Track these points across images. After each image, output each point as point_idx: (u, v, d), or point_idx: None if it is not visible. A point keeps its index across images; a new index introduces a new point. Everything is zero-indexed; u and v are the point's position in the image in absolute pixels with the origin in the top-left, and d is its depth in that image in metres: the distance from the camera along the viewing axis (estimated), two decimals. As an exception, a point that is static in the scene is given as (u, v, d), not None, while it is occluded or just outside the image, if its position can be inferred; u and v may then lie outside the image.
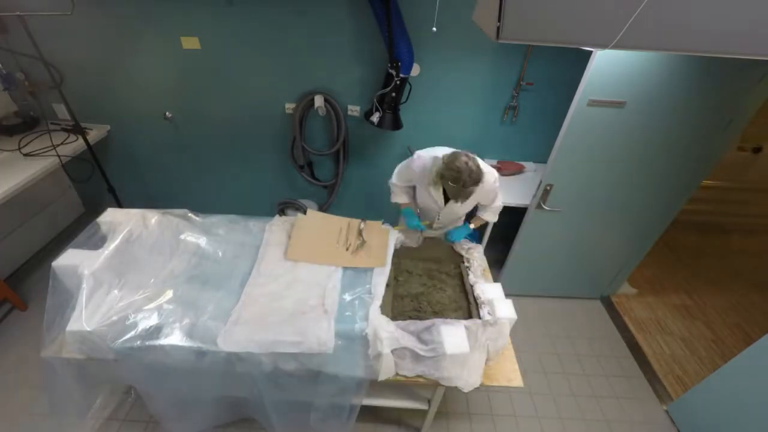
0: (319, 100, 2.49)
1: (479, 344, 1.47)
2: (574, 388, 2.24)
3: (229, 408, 1.77)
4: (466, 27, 2.16)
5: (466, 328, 1.45)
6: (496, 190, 1.79)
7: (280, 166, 2.91)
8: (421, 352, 1.42)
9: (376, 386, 1.55)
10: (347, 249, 1.81)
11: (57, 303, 1.45)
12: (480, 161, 1.63)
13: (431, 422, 1.90)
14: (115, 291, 1.50)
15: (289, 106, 2.60)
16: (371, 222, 1.92)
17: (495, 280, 1.90)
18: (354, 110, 2.60)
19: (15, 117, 2.57)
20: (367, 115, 2.42)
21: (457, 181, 1.55)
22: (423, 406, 1.79)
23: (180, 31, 2.31)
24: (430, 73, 2.39)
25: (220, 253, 1.78)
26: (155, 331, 1.40)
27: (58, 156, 2.30)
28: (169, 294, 1.53)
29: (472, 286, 1.74)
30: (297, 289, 1.64)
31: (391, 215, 3.16)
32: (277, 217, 2.01)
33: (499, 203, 1.88)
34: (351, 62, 2.40)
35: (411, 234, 1.97)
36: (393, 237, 1.86)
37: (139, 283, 1.56)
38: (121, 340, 1.37)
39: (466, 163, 1.54)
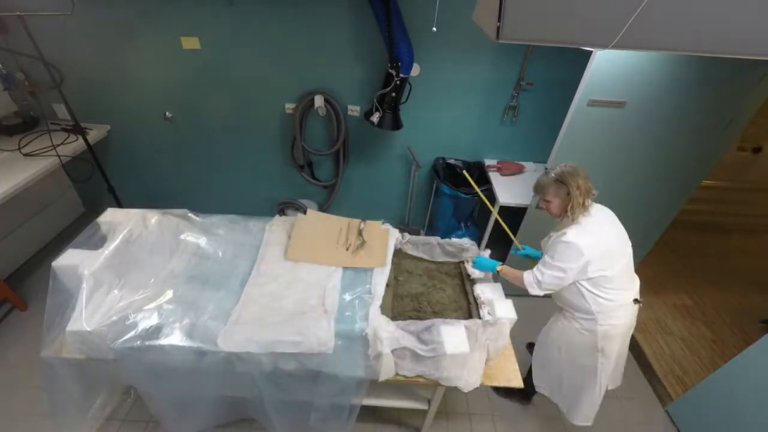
0: (319, 100, 2.49)
1: (479, 344, 1.47)
2: (574, 388, 2.24)
3: (229, 408, 1.77)
4: (466, 27, 2.17)
5: (466, 328, 1.45)
6: (560, 245, 1.44)
7: (280, 166, 2.91)
8: (421, 352, 1.42)
9: (376, 386, 1.55)
10: (347, 249, 1.80)
11: (57, 303, 1.45)
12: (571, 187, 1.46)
13: (431, 422, 1.90)
14: (115, 291, 1.50)
15: (289, 106, 2.60)
16: (371, 222, 1.92)
17: (495, 280, 1.90)
18: (354, 110, 2.60)
19: (15, 117, 2.57)
20: (367, 115, 2.42)
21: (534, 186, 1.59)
22: (423, 406, 1.79)
23: (180, 31, 2.31)
24: (430, 73, 2.39)
25: (220, 253, 1.78)
26: (155, 331, 1.40)
27: (58, 156, 2.30)
28: (169, 294, 1.53)
29: (472, 287, 1.74)
30: (297, 289, 1.64)
31: (391, 215, 3.17)
32: (277, 217, 2.01)
33: (541, 267, 1.48)
34: (351, 62, 2.40)
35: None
36: (393, 237, 1.86)
37: (139, 283, 1.56)
38: (121, 340, 1.37)
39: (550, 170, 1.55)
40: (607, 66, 1.73)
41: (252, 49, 2.36)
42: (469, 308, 1.67)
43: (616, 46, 1.02)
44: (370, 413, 1.97)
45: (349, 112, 2.60)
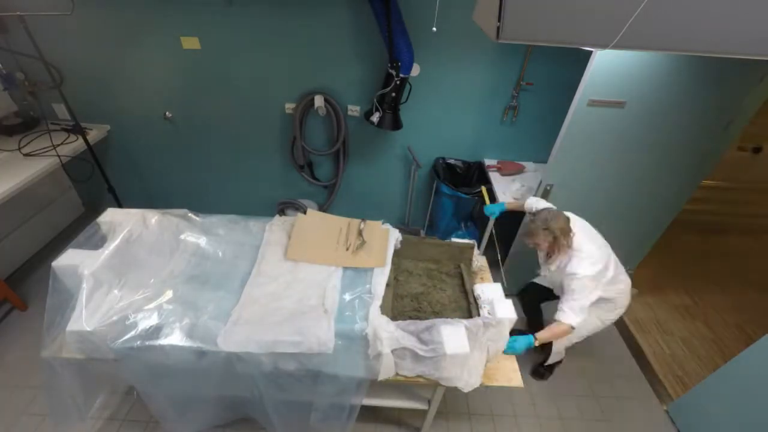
0: (319, 100, 2.49)
1: (479, 344, 1.47)
2: (574, 388, 2.24)
3: (229, 408, 1.77)
4: (466, 27, 2.16)
5: (466, 328, 1.45)
6: (574, 276, 1.65)
7: (280, 166, 2.91)
8: (421, 352, 1.42)
9: (376, 386, 1.55)
10: (347, 249, 1.81)
11: (57, 303, 1.45)
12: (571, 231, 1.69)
13: (431, 422, 1.90)
14: (115, 291, 1.50)
15: (289, 106, 2.60)
16: (371, 222, 1.92)
17: (495, 280, 1.90)
18: (354, 110, 2.60)
19: (15, 117, 2.57)
20: (367, 115, 2.42)
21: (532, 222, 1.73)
22: (423, 406, 1.78)
23: (180, 31, 2.31)
24: (430, 73, 2.39)
25: (220, 253, 1.78)
26: (155, 331, 1.40)
27: (58, 156, 2.30)
28: (169, 294, 1.53)
29: (472, 287, 1.75)
30: (297, 289, 1.64)
31: (391, 215, 3.17)
32: (277, 217, 2.01)
33: (570, 309, 1.64)
34: (351, 62, 2.40)
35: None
36: (393, 237, 1.86)
37: (139, 283, 1.56)
38: (121, 340, 1.37)
39: (539, 218, 1.71)
40: (607, 66, 1.73)
41: (252, 49, 2.36)
42: (469, 308, 1.67)
43: (616, 46, 1.02)
44: (370, 413, 1.97)
45: (349, 112, 2.60)
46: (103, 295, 1.47)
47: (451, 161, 2.77)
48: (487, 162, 2.73)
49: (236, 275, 1.70)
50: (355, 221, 1.91)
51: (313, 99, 2.50)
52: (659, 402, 2.21)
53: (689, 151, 2.02)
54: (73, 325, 1.36)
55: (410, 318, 1.60)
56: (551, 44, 1.10)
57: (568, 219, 1.71)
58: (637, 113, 1.87)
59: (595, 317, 1.90)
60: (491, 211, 2.13)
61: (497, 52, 2.34)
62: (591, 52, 1.75)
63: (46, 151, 2.32)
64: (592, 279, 1.65)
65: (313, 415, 1.56)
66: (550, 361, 2.14)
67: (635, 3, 0.95)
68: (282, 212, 3.02)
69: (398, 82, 2.22)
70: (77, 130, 2.34)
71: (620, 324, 2.66)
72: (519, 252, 2.52)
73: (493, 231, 2.37)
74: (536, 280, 2.22)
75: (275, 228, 1.92)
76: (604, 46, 1.03)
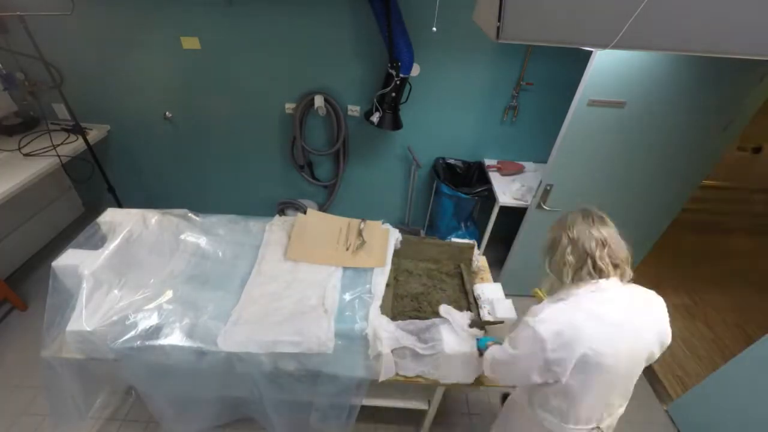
0: (319, 100, 2.49)
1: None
2: (574, 388, 2.24)
3: (229, 408, 1.77)
4: (466, 27, 2.16)
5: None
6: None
7: (280, 166, 2.91)
8: (421, 351, 1.42)
9: (376, 386, 1.55)
10: (347, 249, 1.81)
11: (57, 303, 1.45)
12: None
13: (431, 422, 1.90)
14: (115, 291, 1.50)
15: (289, 106, 2.60)
16: (371, 222, 1.92)
17: (495, 280, 1.90)
18: (354, 110, 2.59)
19: (15, 117, 2.57)
20: (367, 115, 2.42)
21: None
22: (423, 406, 1.78)
23: (180, 31, 2.31)
24: (430, 73, 2.39)
25: (220, 253, 1.78)
26: (155, 331, 1.40)
27: (58, 156, 2.30)
28: (169, 294, 1.53)
29: (472, 287, 1.74)
30: (297, 289, 1.64)
31: (391, 215, 3.17)
32: (277, 217, 2.01)
33: (502, 344, 1.19)
34: (351, 62, 2.40)
35: None
36: (393, 237, 1.86)
37: (139, 283, 1.56)
38: (121, 340, 1.37)
39: None
40: (607, 66, 1.73)
41: (252, 49, 2.36)
42: (469, 308, 1.67)
43: (616, 46, 1.02)
44: (370, 413, 1.97)
45: (349, 112, 2.60)
46: (103, 295, 1.47)
47: (451, 161, 2.77)
48: (487, 162, 2.73)
49: (236, 275, 1.70)
50: (355, 221, 1.91)
51: (313, 99, 2.50)
52: (659, 402, 2.21)
53: (689, 151, 2.02)
54: (73, 325, 1.36)
55: (410, 318, 1.60)
56: (551, 44, 1.10)
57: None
58: (637, 113, 1.87)
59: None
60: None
61: (497, 52, 2.34)
62: (591, 52, 1.75)
63: (46, 151, 2.32)
64: (528, 327, 1.06)
65: (313, 415, 1.56)
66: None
67: (635, 3, 0.95)
68: (282, 212, 3.02)
69: (398, 82, 2.22)
70: (77, 130, 2.34)
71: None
72: (519, 252, 2.52)
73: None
74: None
75: (275, 228, 1.92)
76: (604, 46, 1.03)
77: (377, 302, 1.54)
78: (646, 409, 2.17)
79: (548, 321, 1.02)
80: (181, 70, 2.47)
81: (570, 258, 1.05)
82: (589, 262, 1.04)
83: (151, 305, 1.47)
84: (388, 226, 1.93)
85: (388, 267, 1.73)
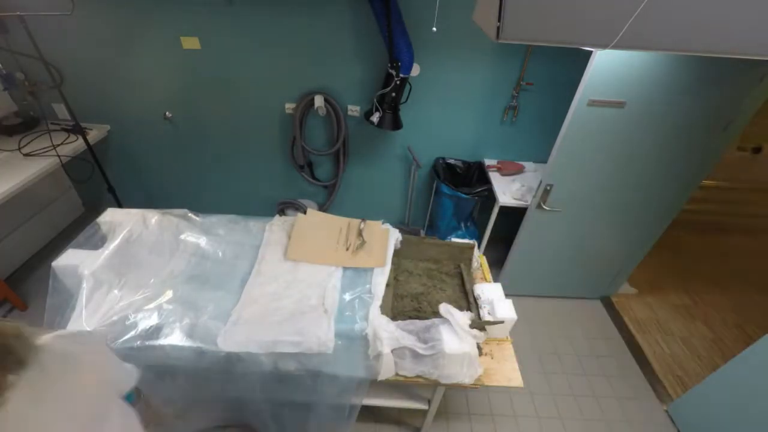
0: (319, 100, 2.49)
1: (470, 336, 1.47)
2: (574, 388, 2.24)
3: (229, 407, 1.77)
4: (466, 27, 2.17)
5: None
6: None
7: (280, 166, 2.91)
8: (421, 351, 1.42)
9: (376, 386, 1.55)
10: (347, 249, 1.81)
11: (57, 303, 1.45)
12: None
13: (431, 422, 1.90)
14: (115, 291, 1.50)
15: (289, 106, 2.60)
16: (371, 222, 1.92)
17: (495, 280, 1.91)
18: (354, 110, 2.60)
19: (15, 117, 2.57)
20: (367, 115, 2.42)
21: None
22: (423, 406, 1.79)
23: (180, 31, 2.31)
24: (430, 73, 2.39)
25: (220, 253, 1.78)
26: (155, 331, 1.40)
27: (58, 156, 2.30)
28: (169, 294, 1.53)
29: (472, 286, 1.74)
30: (297, 289, 1.64)
31: (391, 215, 3.17)
32: (277, 217, 2.01)
33: None
34: (351, 62, 2.40)
35: None
36: (393, 237, 1.86)
37: (139, 283, 1.56)
38: (121, 340, 1.37)
39: None
40: (607, 66, 1.74)
41: (252, 49, 2.36)
42: (469, 308, 1.67)
43: (616, 46, 1.02)
44: (370, 413, 1.97)
45: (349, 112, 2.60)
46: (103, 295, 1.47)
47: (451, 161, 2.77)
48: (487, 162, 2.73)
49: (236, 275, 1.70)
50: (355, 221, 1.91)
51: (313, 99, 2.50)
52: (659, 402, 2.21)
53: (689, 151, 2.02)
54: (73, 325, 1.36)
55: (410, 318, 1.60)
56: (551, 44, 1.10)
57: None
58: (637, 113, 1.87)
59: None
60: None
61: (497, 52, 2.34)
62: (591, 52, 1.76)
63: (46, 151, 2.32)
64: None
65: (313, 415, 1.56)
66: None
67: (635, 3, 0.95)
68: (282, 212, 3.02)
69: (398, 82, 2.22)
70: (77, 130, 2.34)
71: (620, 324, 2.66)
72: (519, 252, 2.52)
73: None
74: None
75: (275, 228, 1.92)
76: (604, 46, 1.03)
77: (377, 302, 1.54)
78: (646, 409, 2.17)
79: None
80: (181, 70, 2.47)
81: None
82: None
83: (151, 305, 1.47)
84: (388, 226, 1.93)
85: (388, 267, 1.73)
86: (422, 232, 3.17)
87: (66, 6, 1.83)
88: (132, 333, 1.38)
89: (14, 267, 2.67)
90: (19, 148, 2.34)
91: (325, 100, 2.50)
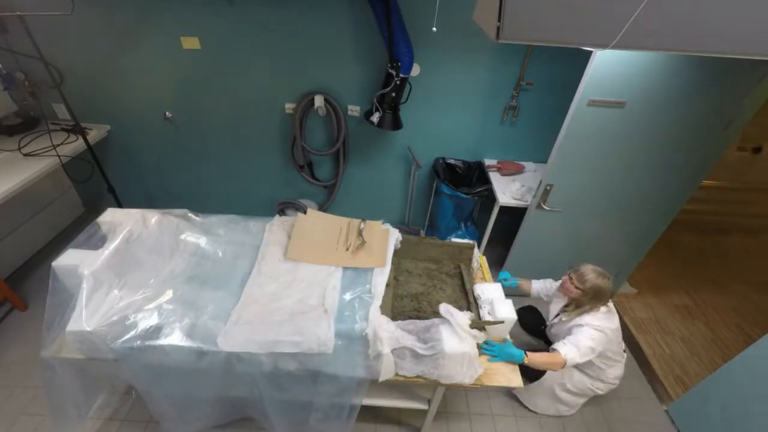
0: (319, 100, 2.49)
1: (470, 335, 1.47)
2: (574, 388, 2.24)
3: (229, 408, 1.77)
4: (466, 27, 2.17)
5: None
6: (585, 323, 1.70)
7: (280, 166, 2.91)
8: (421, 351, 1.42)
9: (376, 386, 1.55)
10: (347, 249, 1.81)
11: (57, 303, 1.44)
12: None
13: (431, 422, 1.90)
14: (115, 291, 1.50)
15: (289, 106, 2.60)
16: (371, 222, 1.92)
17: (495, 280, 1.91)
18: (354, 110, 2.60)
19: (15, 117, 2.57)
20: (367, 115, 2.42)
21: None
22: (423, 406, 1.79)
23: (180, 31, 2.31)
24: (430, 73, 2.39)
25: (220, 253, 1.78)
26: (155, 331, 1.40)
27: (58, 156, 2.30)
28: (169, 294, 1.53)
29: (472, 286, 1.74)
30: (297, 289, 1.64)
31: (391, 215, 3.17)
32: (277, 217, 2.01)
33: (574, 345, 1.66)
34: (351, 62, 2.41)
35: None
36: (393, 237, 1.86)
37: (139, 283, 1.56)
38: (121, 340, 1.37)
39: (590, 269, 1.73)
40: (607, 66, 1.73)
41: (252, 49, 2.37)
42: (469, 308, 1.67)
43: (616, 46, 1.02)
44: (370, 413, 1.97)
45: (349, 112, 2.60)
46: (103, 295, 1.46)
47: (451, 161, 2.77)
48: (487, 162, 2.73)
49: (236, 275, 1.70)
50: (355, 221, 1.91)
51: (313, 99, 2.50)
52: (659, 402, 2.21)
53: (689, 151, 2.02)
54: (73, 325, 1.36)
55: (410, 318, 1.60)
56: (551, 44, 1.10)
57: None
58: (637, 113, 1.87)
59: (580, 374, 1.92)
60: (506, 278, 2.04)
61: (497, 52, 2.34)
62: (591, 52, 1.75)
63: (46, 151, 2.32)
64: (599, 331, 1.67)
65: (313, 415, 1.56)
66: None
67: (635, 3, 0.95)
68: (282, 212, 3.02)
69: (398, 82, 2.22)
70: (77, 130, 2.34)
71: (620, 324, 2.65)
72: (519, 252, 2.52)
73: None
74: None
75: (275, 228, 1.92)
76: (604, 46, 1.03)
77: (377, 302, 1.54)
78: (646, 409, 2.17)
79: (598, 320, 1.72)
80: (181, 70, 2.47)
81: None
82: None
83: (151, 305, 1.47)
84: (388, 226, 1.93)
85: (388, 267, 1.73)
86: (422, 232, 3.17)
87: (66, 6, 1.83)
88: (132, 333, 1.38)
89: (14, 267, 2.67)
90: (19, 148, 2.34)
91: (325, 100, 2.50)
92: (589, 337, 1.66)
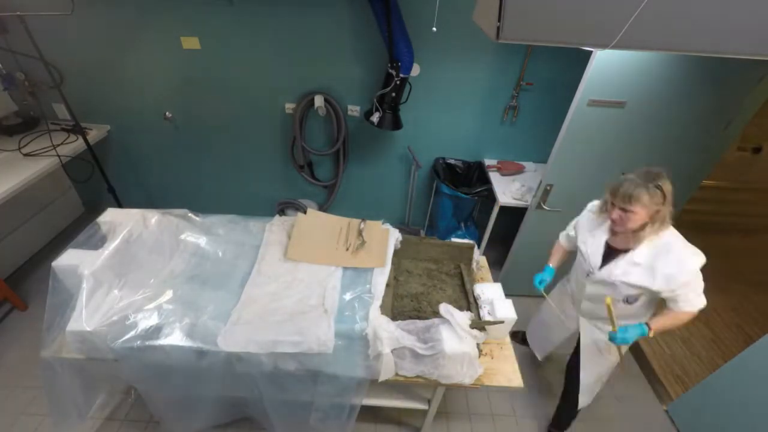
0: (319, 100, 2.49)
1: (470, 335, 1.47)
2: (574, 388, 2.24)
3: (229, 408, 1.77)
4: (466, 27, 2.16)
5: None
6: (686, 269, 1.37)
7: (280, 166, 2.91)
8: (421, 351, 1.42)
9: (376, 386, 1.55)
10: (347, 249, 1.80)
11: (57, 303, 1.44)
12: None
13: (431, 422, 1.90)
14: (115, 291, 1.50)
15: (289, 106, 2.60)
16: (371, 222, 1.92)
17: (495, 280, 1.90)
18: (354, 110, 2.60)
19: (15, 117, 2.57)
20: (367, 115, 2.42)
21: (614, 192, 1.30)
22: (423, 406, 1.79)
23: (180, 31, 2.31)
24: (430, 73, 2.39)
25: (220, 253, 1.78)
26: (155, 331, 1.40)
27: (58, 156, 2.30)
28: (169, 294, 1.53)
29: (472, 286, 1.74)
30: (297, 289, 1.64)
31: (391, 215, 3.17)
32: (277, 217, 2.01)
33: (695, 295, 1.41)
34: (351, 62, 2.40)
35: None
36: (393, 237, 1.86)
37: (139, 283, 1.56)
38: (121, 340, 1.37)
39: (639, 174, 1.31)
40: (607, 66, 1.73)
41: (252, 49, 2.37)
42: (469, 308, 1.67)
43: (616, 46, 1.02)
44: (370, 413, 1.97)
45: (349, 112, 2.60)
46: (103, 295, 1.46)
47: (451, 161, 2.77)
48: (487, 162, 2.73)
49: (236, 275, 1.70)
50: (355, 221, 1.91)
51: (313, 99, 2.50)
52: (659, 402, 2.21)
53: (689, 151, 2.02)
54: (73, 325, 1.36)
55: (410, 318, 1.60)
56: (551, 44, 1.10)
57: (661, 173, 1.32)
58: (637, 113, 1.87)
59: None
60: (542, 279, 1.71)
61: (497, 52, 2.34)
62: (591, 52, 1.75)
63: (46, 151, 2.32)
64: (697, 256, 1.33)
65: (313, 415, 1.56)
66: (581, 404, 1.76)
67: (635, 3, 0.95)
68: (282, 212, 3.02)
69: (398, 82, 2.22)
70: (77, 130, 2.34)
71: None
72: (519, 252, 2.52)
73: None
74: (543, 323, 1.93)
75: (275, 228, 1.92)
76: (604, 46, 1.03)
77: (377, 302, 1.54)
78: (646, 409, 2.17)
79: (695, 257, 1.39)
80: (181, 70, 2.47)
81: (670, 208, 1.36)
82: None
83: (151, 305, 1.47)
84: (388, 226, 1.93)
85: (388, 267, 1.73)
86: (422, 232, 3.17)
87: (66, 6, 1.83)
88: (132, 333, 1.38)
89: (14, 267, 2.67)
90: (19, 148, 2.34)
91: (325, 100, 2.50)
92: (697, 281, 1.35)
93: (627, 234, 1.34)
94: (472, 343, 1.45)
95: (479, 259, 1.97)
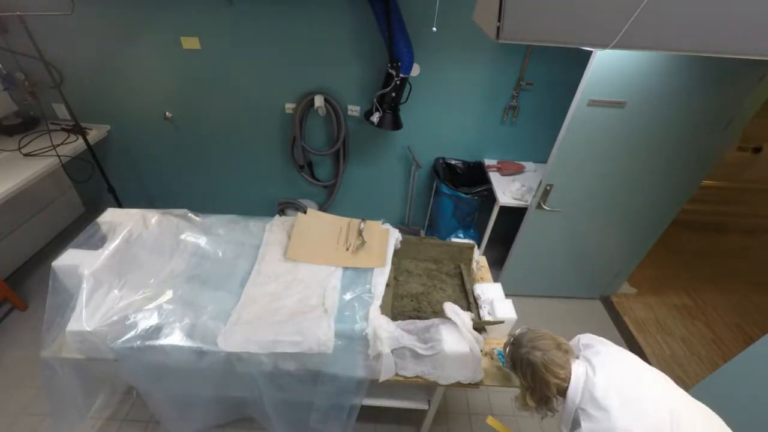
0: (319, 100, 2.49)
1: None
2: (574, 388, 2.24)
3: (229, 408, 1.77)
4: (466, 27, 2.16)
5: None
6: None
7: (280, 166, 2.91)
8: (421, 351, 1.42)
9: (376, 386, 1.55)
10: (347, 249, 1.81)
11: (57, 303, 1.44)
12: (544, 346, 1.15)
13: (431, 422, 1.90)
14: (115, 291, 1.50)
15: (289, 106, 2.60)
16: (371, 222, 1.92)
17: (495, 280, 1.90)
18: (354, 110, 2.60)
19: (15, 117, 2.57)
20: (367, 115, 2.42)
21: None
22: (423, 406, 1.78)
23: (180, 31, 2.31)
24: (430, 73, 2.39)
25: (220, 253, 1.78)
26: (155, 331, 1.40)
27: (58, 156, 2.30)
28: (169, 294, 1.53)
29: (472, 286, 1.74)
30: (297, 289, 1.64)
31: (391, 215, 3.17)
32: (277, 217, 2.01)
33: None
34: (351, 62, 2.40)
35: None
36: (393, 237, 1.86)
37: (139, 283, 1.56)
38: (121, 340, 1.37)
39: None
40: (607, 66, 1.73)
41: (252, 49, 2.36)
42: (469, 308, 1.67)
43: (616, 46, 1.02)
44: (370, 413, 1.97)
45: (349, 112, 2.60)
46: (103, 295, 1.47)
47: (451, 161, 2.77)
48: (487, 162, 2.73)
49: (236, 275, 1.70)
50: (355, 221, 1.91)
51: (313, 99, 2.50)
52: (659, 402, 2.20)
53: (689, 151, 2.02)
54: (73, 325, 1.36)
55: (410, 318, 1.60)
56: (551, 44, 1.10)
57: (560, 344, 1.17)
58: (637, 113, 1.87)
59: None
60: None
61: (497, 52, 2.34)
62: (591, 52, 1.75)
63: (46, 151, 2.32)
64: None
65: (313, 415, 1.56)
66: None
67: (635, 3, 0.95)
68: (282, 212, 3.02)
69: (398, 82, 2.22)
70: (77, 130, 2.34)
71: (620, 324, 2.66)
72: (519, 252, 2.52)
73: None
74: None
75: (275, 228, 1.92)
76: (604, 46, 1.03)
77: (377, 302, 1.54)
78: (646, 409, 2.17)
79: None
80: (181, 70, 2.47)
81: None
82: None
83: (151, 305, 1.47)
84: (388, 226, 1.93)
85: (388, 267, 1.73)
86: (422, 232, 3.17)
87: (66, 6, 1.83)
88: (132, 333, 1.38)
89: (14, 267, 2.66)
90: (19, 148, 2.34)
91: (325, 100, 2.50)
92: None
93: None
94: (472, 343, 1.45)
95: (479, 259, 1.97)
